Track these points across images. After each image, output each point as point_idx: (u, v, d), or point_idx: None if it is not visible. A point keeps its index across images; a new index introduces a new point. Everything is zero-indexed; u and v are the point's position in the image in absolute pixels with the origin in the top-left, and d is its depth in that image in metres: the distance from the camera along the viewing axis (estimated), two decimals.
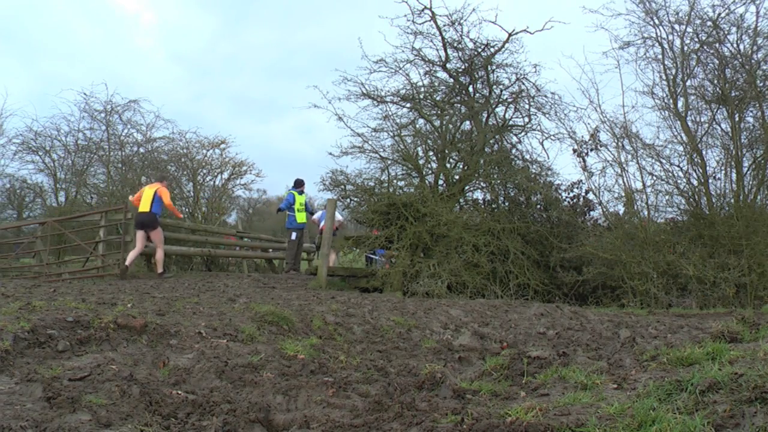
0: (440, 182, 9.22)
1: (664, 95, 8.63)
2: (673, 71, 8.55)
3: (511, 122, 9.65)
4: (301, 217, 11.60)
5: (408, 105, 9.58)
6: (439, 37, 9.09)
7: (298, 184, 11.86)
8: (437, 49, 9.29)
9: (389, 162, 9.37)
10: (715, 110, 8.46)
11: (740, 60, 8.20)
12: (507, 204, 9.43)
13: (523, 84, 9.28)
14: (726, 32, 8.27)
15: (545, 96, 9.29)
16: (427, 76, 9.64)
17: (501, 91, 9.50)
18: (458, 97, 9.68)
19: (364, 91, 9.35)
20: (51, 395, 2.03)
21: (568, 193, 9.50)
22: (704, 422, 1.50)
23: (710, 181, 8.19)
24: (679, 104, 8.51)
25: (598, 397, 1.91)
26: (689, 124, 8.41)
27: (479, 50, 9.17)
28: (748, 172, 8.15)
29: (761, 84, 8.14)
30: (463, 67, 9.40)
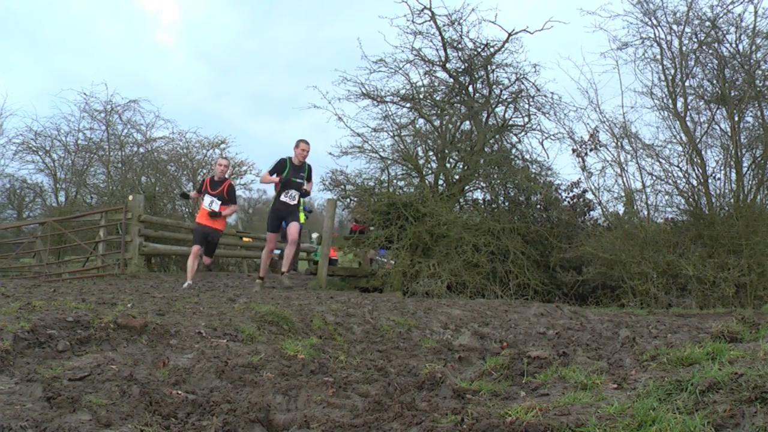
0: (440, 182, 9.23)
1: (663, 95, 8.63)
2: (672, 71, 8.55)
3: (510, 122, 9.66)
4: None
5: (408, 105, 9.58)
6: (439, 37, 9.10)
7: None
8: (437, 49, 9.29)
9: (389, 162, 9.37)
10: (714, 110, 8.46)
11: (739, 60, 8.20)
12: (507, 204, 9.43)
13: (523, 84, 9.29)
14: (725, 32, 8.27)
15: (545, 96, 9.30)
16: (426, 76, 9.65)
17: (501, 91, 9.50)
18: (458, 97, 9.68)
19: (364, 91, 9.35)
20: (51, 395, 2.03)
21: (568, 193, 9.51)
22: (704, 422, 1.50)
23: (710, 181, 8.20)
24: (678, 104, 8.51)
25: (598, 397, 1.91)
26: (688, 124, 8.41)
27: (479, 50, 9.18)
28: (748, 172, 8.15)
29: (760, 84, 8.14)
30: (462, 67, 9.40)
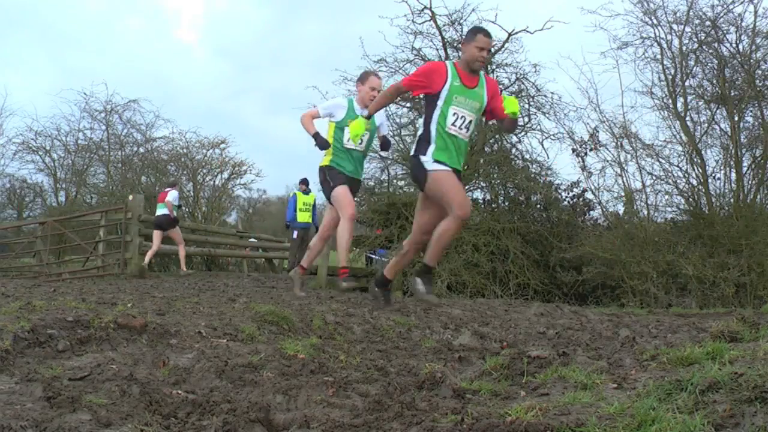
0: None
1: (663, 95, 8.64)
2: (672, 71, 8.55)
3: None
4: (302, 217, 11.61)
5: (408, 105, 9.58)
6: (439, 37, 9.10)
7: (302, 183, 11.92)
8: (437, 49, 9.30)
9: (389, 162, 9.38)
10: (714, 110, 8.46)
11: (739, 59, 8.20)
12: (507, 204, 9.43)
13: (523, 84, 9.30)
14: (725, 32, 8.28)
15: (545, 96, 9.30)
16: None
17: (501, 91, 9.49)
18: None
19: None
20: (51, 395, 2.04)
21: (568, 193, 9.51)
22: (704, 422, 1.50)
23: (710, 180, 8.20)
24: (678, 104, 8.52)
25: (598, 397, 1.91)
26: (688, 123, 8.42)
27: None
28: (748, 172, 8.16)
29: (760, 83, 8.15)
30: None
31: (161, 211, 9.78)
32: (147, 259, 9.75)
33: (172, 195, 9.84)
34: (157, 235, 9.79)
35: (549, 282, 8.39)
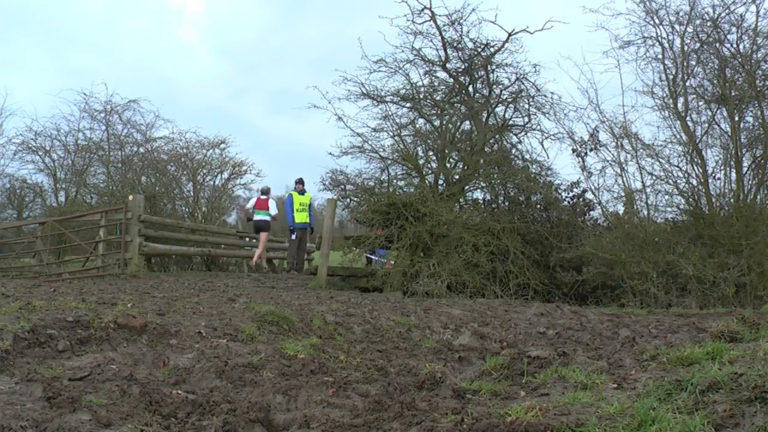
0: (440, 182, 9.22)
1: (664, 95, 8.62)
2: (673, 71, 8.55)
3: (510, 122, 9.65)
4: (300, 217, 11.59)
5: (408, 105, 9.57)
6: (439, 37, 9.10)
7: (299, 183, 11.91)
8: (437, 49, 9.29)
9: (389, 162, 9.37)
10: (714, 110, 8.45)
11: (740, 60, 8.20)
12: (507, 204, 9.43)
13: (523, 84, 9.28)
14: (726, 32, 8.27)
15: (545, 96, 9.28)
16: (426, 76, 9.63)
17: (501, 91, 9.49)
18: (458, 97, 9.67)
19: (364, 91, 9.34)
20: (51, 395, 2.04)
21: (568, 193, 9.50)
22: (704, 422, 1.50)
23: (710, 180, 8.19)
24: (679, 104, 8.51)
25: (598, 397, 1.91)
26: (689, 123, 8.41)
27: (479, 50, 9.17)
28: (748, 172, 8.15)
29: (761, 84, 8.14)
30: (462, 67, 9.39)
31: (260, 216, 11.27)
32: (255, 258, 11.46)
33: (273, 204, 11.32)
34: (263, 236, 11.35)
35: (549, 282, 8.38)
